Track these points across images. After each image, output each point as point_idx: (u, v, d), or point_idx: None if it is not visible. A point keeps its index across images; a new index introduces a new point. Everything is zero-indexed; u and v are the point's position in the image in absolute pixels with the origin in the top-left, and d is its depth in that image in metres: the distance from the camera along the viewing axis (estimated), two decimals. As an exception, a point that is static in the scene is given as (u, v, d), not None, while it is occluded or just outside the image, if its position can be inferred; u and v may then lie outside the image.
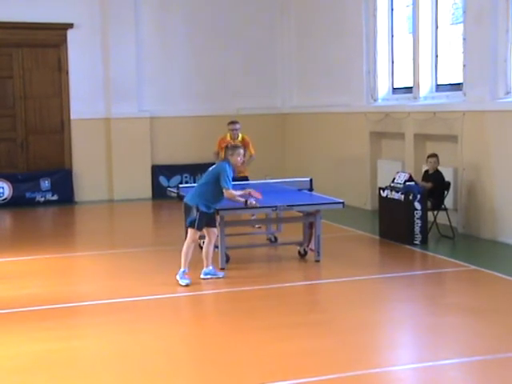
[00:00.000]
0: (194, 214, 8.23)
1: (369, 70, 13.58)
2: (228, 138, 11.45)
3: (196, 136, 16.06)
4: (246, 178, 11.36)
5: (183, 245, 8.37)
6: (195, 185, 9.02)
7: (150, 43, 15.85)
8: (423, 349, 6.31)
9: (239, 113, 16.14)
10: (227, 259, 9.02)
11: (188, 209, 8.31)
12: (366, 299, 7.74)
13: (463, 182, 10.99)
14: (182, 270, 8.26)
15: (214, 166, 8.52)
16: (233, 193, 8.30)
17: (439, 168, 10.82)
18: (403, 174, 10.58)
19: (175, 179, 15.78)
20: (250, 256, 9.77)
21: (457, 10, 11.68)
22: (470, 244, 10.41)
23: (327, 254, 9.36)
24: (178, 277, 8.24)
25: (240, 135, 11.48)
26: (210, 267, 8.50)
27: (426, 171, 10.94)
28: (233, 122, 11.57)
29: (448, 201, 10.81)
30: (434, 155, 10.88)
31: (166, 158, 16.01)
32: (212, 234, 8.47)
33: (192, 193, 8.43)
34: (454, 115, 11.06)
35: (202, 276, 8.41)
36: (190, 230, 8.32)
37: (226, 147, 8.73)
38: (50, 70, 15.39)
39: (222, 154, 11.27)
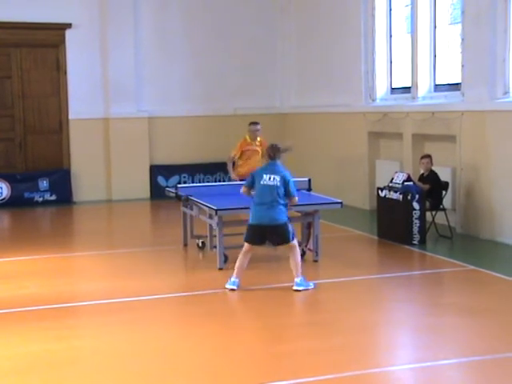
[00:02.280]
0: (288, 228, 7.93)
1: (367, 70, 13.59)
2: (248, 139, 11.36)
3: (194, 136, 16.07)
4: None
5: (291, 255, 8.09)
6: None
7: (148, 43, 15.85)
8: (422, 349, 6.30)
9: (237, 113, 16.17)
10: (225, 259, 9.01)
11: (277, 229, 7.87)
12: (364, 299, 7.74)
13: (461, 182, 11.00)
14: (300, 277, 7.94)
15: (269, 173, 7.90)
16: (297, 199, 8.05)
17: (435, 168, 10.82)
18: (401, 174, 10.59)
19: (173, 179, 15.78)
20: (249, 256, 9.75)
21: (455, 10, 11.69)
22: (469, 244, 10.42)
23: (325, 254, 9.36)
24: (299, 287, 7.86)
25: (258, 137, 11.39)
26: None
27: (422, 174, 10.90)
28: (254, 123, 11.40)
29: (446, 201, 10.82)
30: (428, 156, 10.89)
31: (164, 158, 16.01)
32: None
33: (274, 212, 7.82)
34: (453, 115, 11.07)
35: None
36: (295, 244, 8.04)
37: (275, 149, 8.06)
38: (48, 69, 15.38)
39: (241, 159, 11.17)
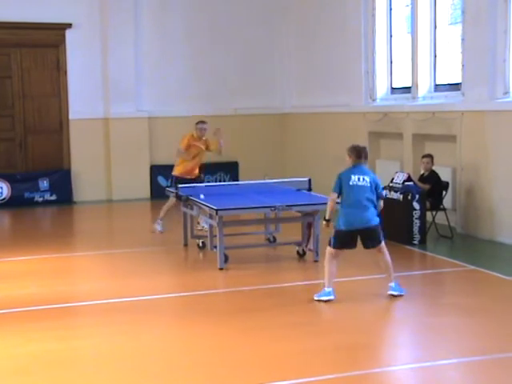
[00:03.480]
0: (380, 230, 7.61)
1: (367, 70, 13.58)
2: (195, 135, 11.36)
3: (194, 136, 16.04)
4: (199, 179, 11.38)
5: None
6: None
7: (148, 43, 15.85)
8: (422, 349, 6.31)
9: (237, 113, 16.18)
10: (226, 259, 9.01)
11: (370, 232, 7.53)
12: (364, 299, 7.73)
13: (462, 182, 11.00)
14: (394, 282, 7.65)
15: (358, 174, 7.55)
16: None
17: (435, 168, 10.82)
18: (402, 174, 10.59)
19: (174, 179, 15.76)
20: (249, 256, 9.76)
21: (455, 10, 11.68)
22: (469, 244, 10.42)
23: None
24: (394, 292, 7.58)
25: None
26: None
27: (422, 174, 10.90)
28: (202, 122, 11.42)
29: (446, 201, 10.82)
30: (429, 155, 10.89)
31: (164, 158, 15.96)
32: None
33: (367, 213, 7.48)
34: (453, 115, 11.07)
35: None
36: (384, 246, 7.67)
37: (363, 151, 7.72)
38: (48, 69, 15.39)
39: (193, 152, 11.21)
